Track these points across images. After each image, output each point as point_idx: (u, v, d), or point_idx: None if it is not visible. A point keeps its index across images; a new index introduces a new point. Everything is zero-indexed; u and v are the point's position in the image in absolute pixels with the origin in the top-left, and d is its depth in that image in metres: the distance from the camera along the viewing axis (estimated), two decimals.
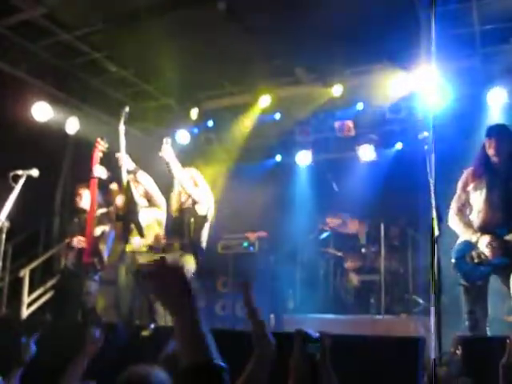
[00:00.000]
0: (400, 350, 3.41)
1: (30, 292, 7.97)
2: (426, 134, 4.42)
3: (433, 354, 3.52)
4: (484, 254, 4.53)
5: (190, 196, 5.48)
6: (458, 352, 3.23)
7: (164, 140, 5.42)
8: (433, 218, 4.05)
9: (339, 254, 8.31)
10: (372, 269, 8.05)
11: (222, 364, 1.57)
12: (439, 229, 4.00)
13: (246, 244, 8.21)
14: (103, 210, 6.01)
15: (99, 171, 5.68)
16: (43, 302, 7.99)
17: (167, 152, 5.35)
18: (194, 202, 5.48)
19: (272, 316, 7.53)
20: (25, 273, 7.85)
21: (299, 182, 9.26)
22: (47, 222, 9.02)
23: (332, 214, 8.45)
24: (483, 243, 4.53)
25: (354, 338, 3.82)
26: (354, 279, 8.13)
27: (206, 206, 5.49)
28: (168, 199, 5.75)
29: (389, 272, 7.80)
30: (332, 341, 2.67)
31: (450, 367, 3.16)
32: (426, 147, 4.36)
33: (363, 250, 8.30)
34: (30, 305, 7.90)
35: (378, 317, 7.32)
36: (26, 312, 7.78)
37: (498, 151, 4.70)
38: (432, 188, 4.17)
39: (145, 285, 5.21)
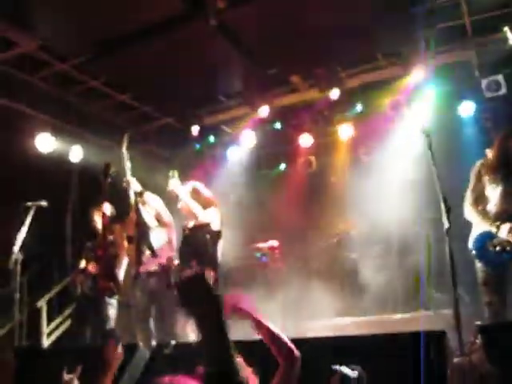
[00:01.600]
0: (424, 344, 3.42)
1: (49, 322, 8.03)
2: (424, 126, 4.51)
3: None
4: (507, 241, 4.56)
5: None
6: (477, 341, 3.25)
7: (170, 173, 5.52)
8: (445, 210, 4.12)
9: (353, 255, 8.31)
10: (387, 267, 8.04)
11: (241, 376, 1.62)
12: (448, 220, 4.06)
13: (258, 255, 8.22)
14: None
15: (107, 208, 5.77)
16: (62, 332, 8.04)
17: (175, 185, 5.47)
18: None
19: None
20: (42, 304, 7.91)
21: (305, 188, 9.27)
22: (59, 251, 9.05)
23: (342, 218, 8.47)
24: (505, 230, 4.57)
25: (374, 337, 3.86)
26: (369, 279, 8.13)
27: (219, 222, 5.56)
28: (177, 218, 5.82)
29: (403, 270, 7.79)
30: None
31: (470, 357, 3.17)
32: (425, 137, 4.44)
33: (377, 250, 8.31)
34: (49, 335, 7.95)
35: (397, 316, 7.31)
36: (46, 342, 7.83)
37: None
38: (436, 179, 4.23)
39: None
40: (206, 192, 5.80)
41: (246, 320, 2.78)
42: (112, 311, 5.81)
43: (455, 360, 3.27)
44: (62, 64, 7.52)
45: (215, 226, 5.55)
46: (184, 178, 5.89)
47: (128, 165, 5.55)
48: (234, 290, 8.24)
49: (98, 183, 5.82)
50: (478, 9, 6.68)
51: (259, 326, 2.74)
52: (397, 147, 8.46)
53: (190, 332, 5.32)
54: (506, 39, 6.43)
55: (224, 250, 7.78)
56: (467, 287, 5.89)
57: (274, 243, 8.10)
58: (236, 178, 9.25)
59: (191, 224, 5.62)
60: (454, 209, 4.63)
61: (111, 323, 5.76)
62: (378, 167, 8.64)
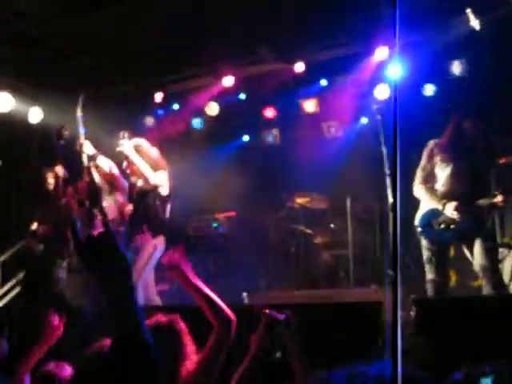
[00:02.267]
0: (357, 314, 3.51)
1: (2, 285, 7.96)
2: (376, 106, 4.56)
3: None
4: (451, 219, 4.66)
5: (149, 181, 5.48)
6: (411, 313, 3.34)
7: (120, 134, 5.45)
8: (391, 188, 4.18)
9: (309, 230, 8.39)
10: (341, 243, 8.16)
11: (148, 339, 1.64)
12: (393, 197, 4.12)
13: (215, 225, 8.26)
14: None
15: (60, 171, 5.70)
16: (16, 294, 7.98)
17: (125, 146, 5.39)
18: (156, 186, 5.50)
19: (245, 294, 7.60)
20: None
21: (267, 161, 9.30)
22: (18, 213, 8.96)
23: (300, 193, 8.51)
24: (450, 208, 4.66)
25: (318, 306, 3.94)
26: (325, 254, 8.25)
27: (167, 186, 5.52)
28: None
29: (357, 246, 7.92)
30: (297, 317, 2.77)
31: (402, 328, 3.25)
32: (378, 117, 4.50)
33: (332, 226, 8.41)
34: (1, 298, 7.89)
35: (349, 290, 7.44)
36: None
37: (475, 130, 4.80)
38: (385, 158, 4.29)
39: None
40: (152, 151, 5.68)
41: (179, 280, 2.80)
42: (62, 274, 5.80)
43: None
44: (22, 22, 7.33)
45: (164, 191, 5.50)
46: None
47: (82, 128, 5.47)
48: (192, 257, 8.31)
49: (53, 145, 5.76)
50: None
51: (193, 288, 2.77)
52: (358, 124, 8.54)
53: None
54: (468, 21, 6.47)
55: (181, 217, 7.83)
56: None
57: (231, 214, 8.15)
58: (197, 146, 9.22)
59: (139, 185, 5.57)
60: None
61: (62, 286, 5.75)
62: (340, 143, 8.72)
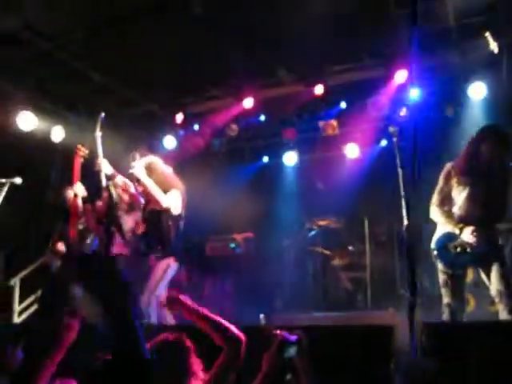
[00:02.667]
0: (369, 337, 3.48)
1: (21, 301, 8.04)
2: (393, 128, 4.55)
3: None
4: (467, 243, 4.62)
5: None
6: (422, 338, 3.30)
7: (131, 156, 5.47)
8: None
9: (327, 252, 8.35)
10: (360, 266, 8.12)
11: (148, 357, 1.66)
12: (408, 218, 4.09)
13: (233, 245, 8.27)
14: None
15: (79, 189, 5.77)
16: (34, 311, 8.05)
17: (136, 169, 5.40)
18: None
19: (262, 315, 7.57)
20: (15, 281, 7.92)
21: (286, 182, 9.33)
22: (37, 230, 9.06)
23: (321, 216, 8.50)
24: (467, 233, 4.61)
25: (330, 328, 3.91)
26: (343, 276, 8.20)
27: (180, 205, 5.50)
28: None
29: (376, 268, 7.86)
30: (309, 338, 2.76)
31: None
32: (394, 139, 4.49)
33: (350, 248, 8.37)
34: (20, 313, 7.97)
35: (366, 312, 7.39)
36: (17, 320, 7.85)
37: (493, 154, 4.76)
38: (401, 180, 4.27)
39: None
40: (165, 169, 5.66)
41: (181, 312, 2.83)
42: (79, 292, 5.82)
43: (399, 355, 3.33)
44: (47, 43, 7.48)
45: (176, 210, 5.49)
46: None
47: (100, 147, 5.53)
48: (209, 278, 8.34)
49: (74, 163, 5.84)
50: (463, 13, 6.72)
51: (196, 316, 2.79)
52: (378, 146, 8.54)
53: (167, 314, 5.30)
54: (487, 44, 6.47)
55: (198, 237, 7.85)
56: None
57: (249, 235, 8.16)
58: (216, 167, 9.28)
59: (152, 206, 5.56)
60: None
61: (77, 303, 5.77)
62: (360, 165, 8.72)
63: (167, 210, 5.40)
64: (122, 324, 1.65)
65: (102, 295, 1.69)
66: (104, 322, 1.67)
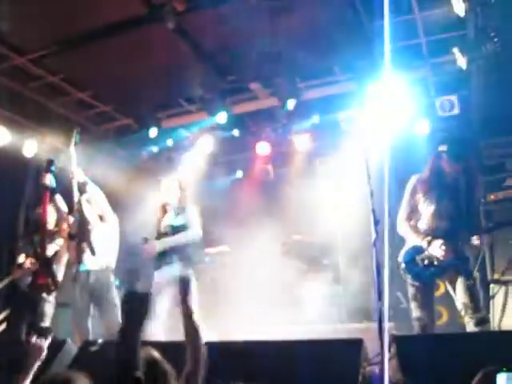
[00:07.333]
0: (340, 351, 3.49)
1: None
2: (364, 144, 4.61)
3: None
4: (435, 256, 4.67)
5: None
6: (391, 350, 3.31)
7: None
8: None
9: (302, 265, 8.36)
10: (334, 279, 8.14)
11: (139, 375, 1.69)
12: (376, 232, 4.12)
13: (207, 259, 8.23)
14: (55, 229, 6.00)
15: (49, 179, 5.71)
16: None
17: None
18: None
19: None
20: None
21: (260, 197, 9.33)
22: (9, 247, 8.93)
23: (292, 228, 8.52)
24: (435, 246, 4.67)
25: (295, 343, 3.91)
26: (318, 290, 8.21)
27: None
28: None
29: (350, 281, 7.89)
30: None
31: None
32: (364, 155, 4.53)
33: (325, 262, 8.39)
34: None
35: (340, 325, 7.40)
36: None
37: (454, 166, 4.82)
38: (370, 193, 4.30)
39: None
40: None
41: None
42: (49, 309, 5.75)
43: (368, 368, 3.34)
44: (20, 57, 7.44)
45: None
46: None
47: (74, 160, 5.52)
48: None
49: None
50: (433, 29, 6.84)
51: None
52: (349, 161, 8.59)
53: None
54: (456, 60, 6.57)
55: None
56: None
57: (224, 249, 8.13)
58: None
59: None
60: None
61: (47, 321, 5.70)
62: (332, 179, 8.77)
63: None
64: (133, 342, 1.69)
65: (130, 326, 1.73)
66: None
